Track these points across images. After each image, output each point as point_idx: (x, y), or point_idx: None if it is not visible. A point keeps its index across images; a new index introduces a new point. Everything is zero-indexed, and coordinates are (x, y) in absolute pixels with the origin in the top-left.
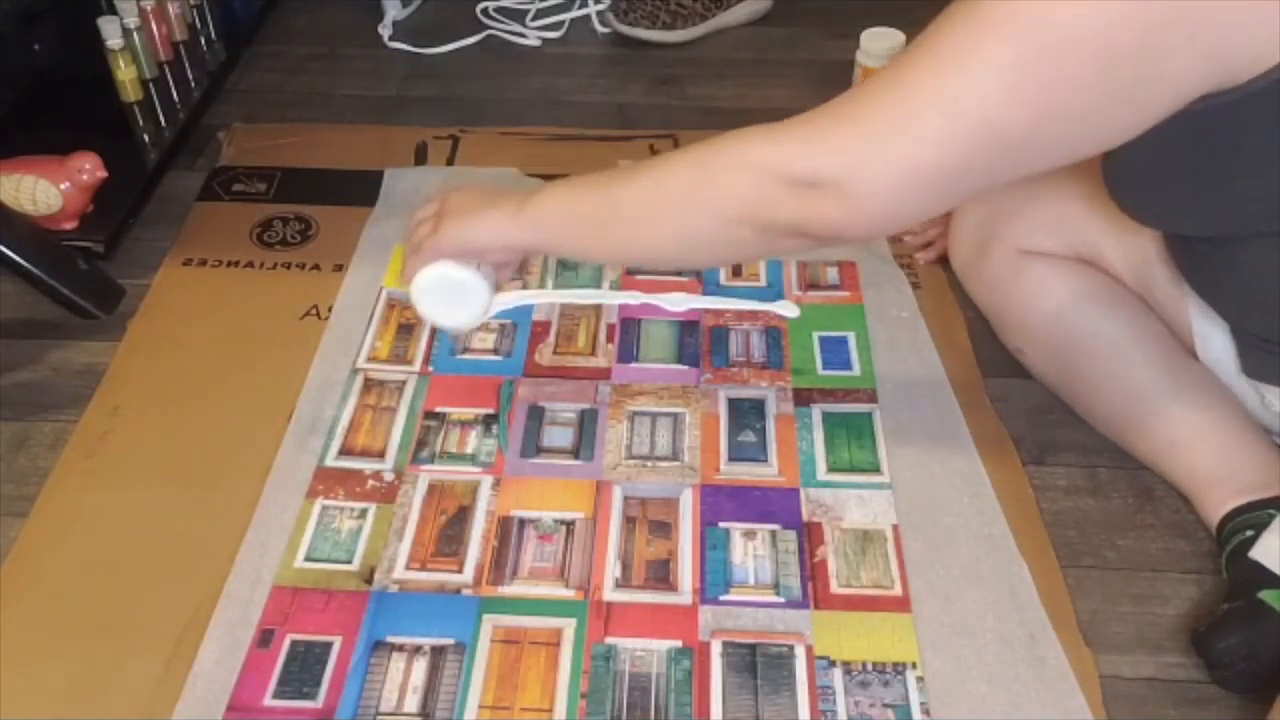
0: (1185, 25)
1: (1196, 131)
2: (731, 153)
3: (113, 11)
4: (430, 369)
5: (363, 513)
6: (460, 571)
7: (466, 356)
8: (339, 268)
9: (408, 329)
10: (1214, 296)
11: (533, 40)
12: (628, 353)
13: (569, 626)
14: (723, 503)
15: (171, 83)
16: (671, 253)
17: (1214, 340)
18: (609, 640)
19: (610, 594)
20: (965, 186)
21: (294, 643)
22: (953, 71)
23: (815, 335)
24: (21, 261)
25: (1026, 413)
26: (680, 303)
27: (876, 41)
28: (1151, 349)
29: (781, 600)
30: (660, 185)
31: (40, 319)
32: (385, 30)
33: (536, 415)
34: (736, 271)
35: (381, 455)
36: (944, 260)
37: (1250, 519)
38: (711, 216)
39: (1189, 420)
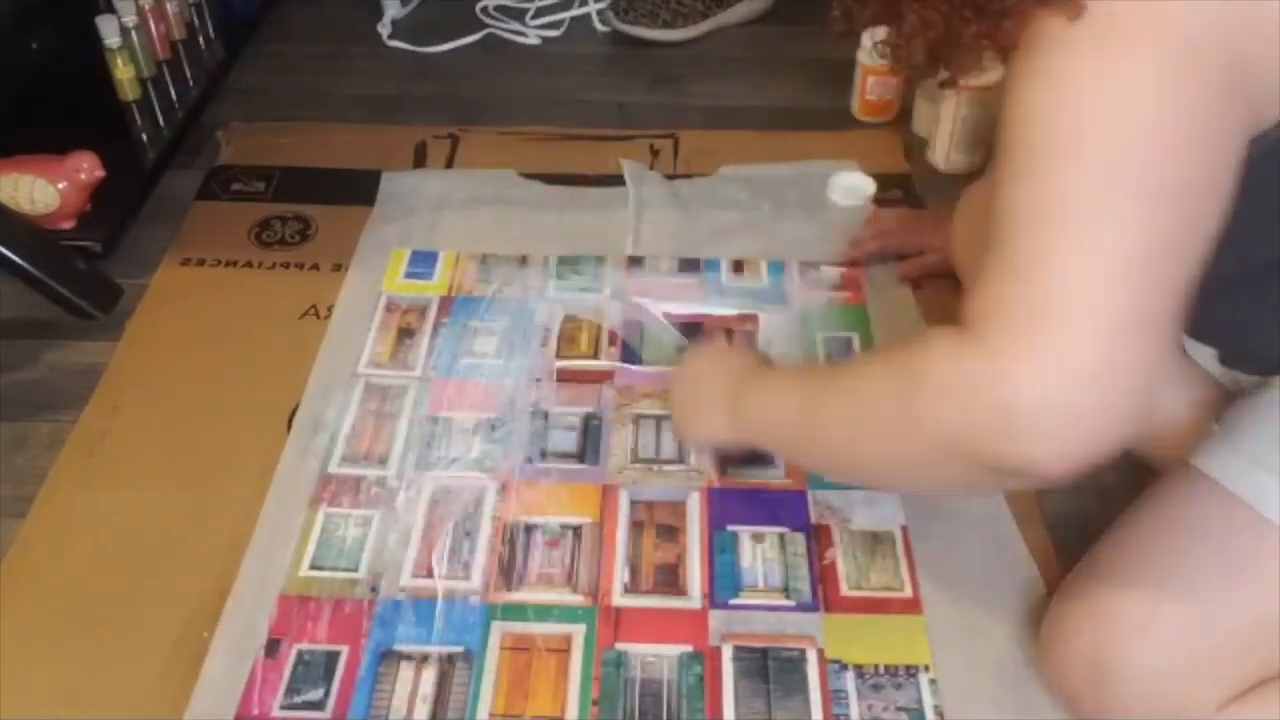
0: (1230, 85)
1: None
2: (939, 371)
3: (111, 10)
4: (433, 373)
5: (367, 520)
6: (467, 578)
7: (469, 361)
8: (338, 267)
9: (409, 333)
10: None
11: (533, 39)
12: (631, 355)
13: (578, 633)
14: (730, 506)
15: (170, 82)
16: (878, 478)
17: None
18: (619, 646)
19: (619, 599)
20: (1161, 324)
21: (301, 652)
22: (1075, 243)
23: (819, 336)
24: (19, 261)
25: None
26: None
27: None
28: None
29: (791, 603)
30: (859, 406)
31: (39, 319)
32: (385, 29)
33: (540, 419)
34: (738, 269)
35: (384, 461)
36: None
37: None
38: (919, 444)
39: (1189, 415)
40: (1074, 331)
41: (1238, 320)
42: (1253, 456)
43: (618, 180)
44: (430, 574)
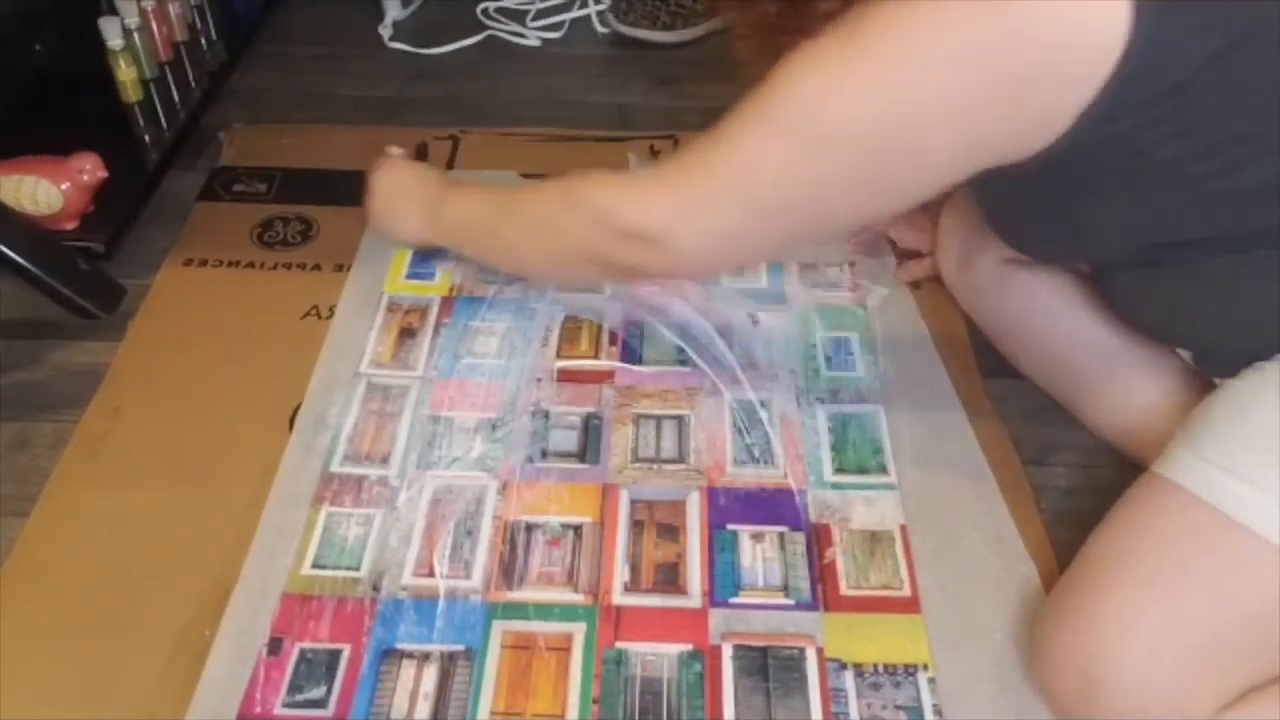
0: (940, 130)
1: (1032, 177)
2: (578, 197)
3: (113, 12)
4: (434, 373)
5: (369, 519)
6: (468, 577)
7: (470, 361)
8: (340, 268)
9: (410, 333)
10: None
11: (533, 40)
12: (631, 355)
13: (579, 631)
14: (730, 505)
15: (172, 83)
16: (542, 273)
17: None
18: (619, 644)
19: (619, 598)
20: (765, 244)
21: (303, 650)
22: (746, 155)
23: (819, 336)
24: (22, 261)
25: (1026, 413)
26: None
27: None
28: (1138, 350)
29: (791, 602)
30: (529, 215)
31: (40, 319)
32: (385, 30)
33: (541, 419)
34: (738, 269)
35: (386, 461)
36: (928, 276)
37: None
38: (563, 250)
39: (1165, 409)
40: (687, 204)
41: (1203, 318)
42: (1210, 458)
43: None
44: (432, 573)
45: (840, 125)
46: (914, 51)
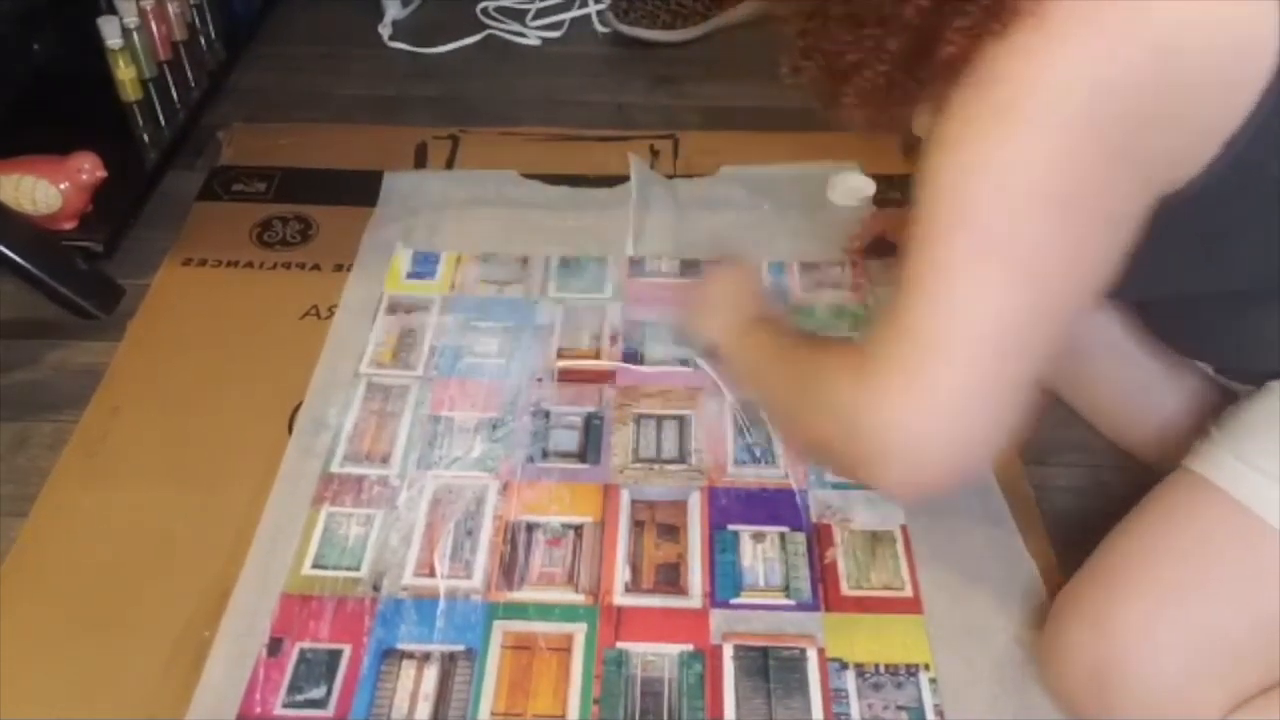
0: (1113, 166)
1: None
2: (831, 388)
3: (112, 11)
4: (434, 373)
5: (369, 519)
6: (469, 577)
7: (470, 361)
8: (339, 268)
9: (411, 333)
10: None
11: (533, 40)
12: (632, 355)
13: (580, 632)
14: (731, 505)
15: (171, 82)
16: (790, 441)
17: None
18: (620, 645)
19: (620, 598)
20: (1013, 387)
21: (303, 651)
22: (949, 304)
23: (820, 336)
24: (21, 261)
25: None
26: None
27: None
28: (1161, 359)
29: (792, 603)
30: (782, 386)
31: (40, 319)
32: (385, 30)
33: (542, 419)
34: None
35: (387, 461)
36: None
37: None
38: (809, 436)
39: (1188, 415)
40: (925, 385)
41: (1229, 338)
42: (1252, 461)
43: (618, 180)
44: (432, 573)
45: (1018, 199)
46: (1056, 89)
